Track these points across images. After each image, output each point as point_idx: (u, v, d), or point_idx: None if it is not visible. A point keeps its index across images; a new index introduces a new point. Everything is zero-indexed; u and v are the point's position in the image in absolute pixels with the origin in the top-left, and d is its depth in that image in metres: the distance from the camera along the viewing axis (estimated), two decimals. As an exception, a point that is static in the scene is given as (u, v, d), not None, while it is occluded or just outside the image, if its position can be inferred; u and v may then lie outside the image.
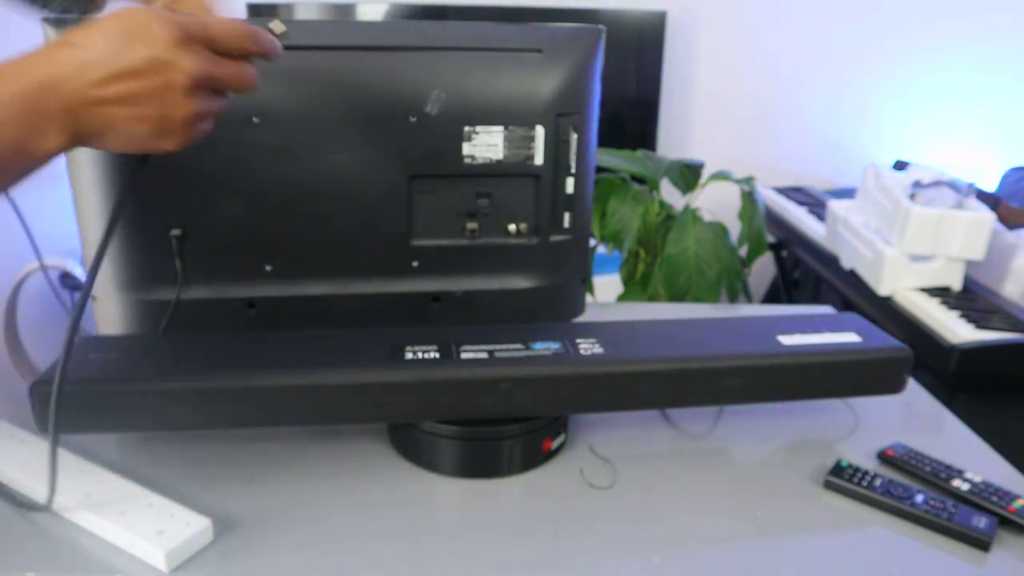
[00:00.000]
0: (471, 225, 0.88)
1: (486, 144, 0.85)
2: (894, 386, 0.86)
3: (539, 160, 0.87)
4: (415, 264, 0.88)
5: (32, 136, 0.49)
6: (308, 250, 0.86)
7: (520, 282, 0.92)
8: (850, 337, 0.86)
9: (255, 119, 0.80)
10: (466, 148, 0.85)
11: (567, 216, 0.91)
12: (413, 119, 0.82)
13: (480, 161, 0.86)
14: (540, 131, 0.86)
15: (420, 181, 0.86)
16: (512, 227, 0.89)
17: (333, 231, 0.86)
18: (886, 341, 0.86)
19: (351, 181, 0.85)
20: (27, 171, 0.51)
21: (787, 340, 0.84)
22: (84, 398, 0.73)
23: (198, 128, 0.56)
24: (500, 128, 0.85)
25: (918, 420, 0.97)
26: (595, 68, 0.95)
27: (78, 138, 0.52)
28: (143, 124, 0.52)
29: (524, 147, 0.86)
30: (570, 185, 0.89)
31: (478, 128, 0.84)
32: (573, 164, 0.89)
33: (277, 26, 0.62)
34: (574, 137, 0.88)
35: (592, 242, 1.86)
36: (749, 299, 1.89)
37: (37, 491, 0.72)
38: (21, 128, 0.49)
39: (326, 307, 0.88)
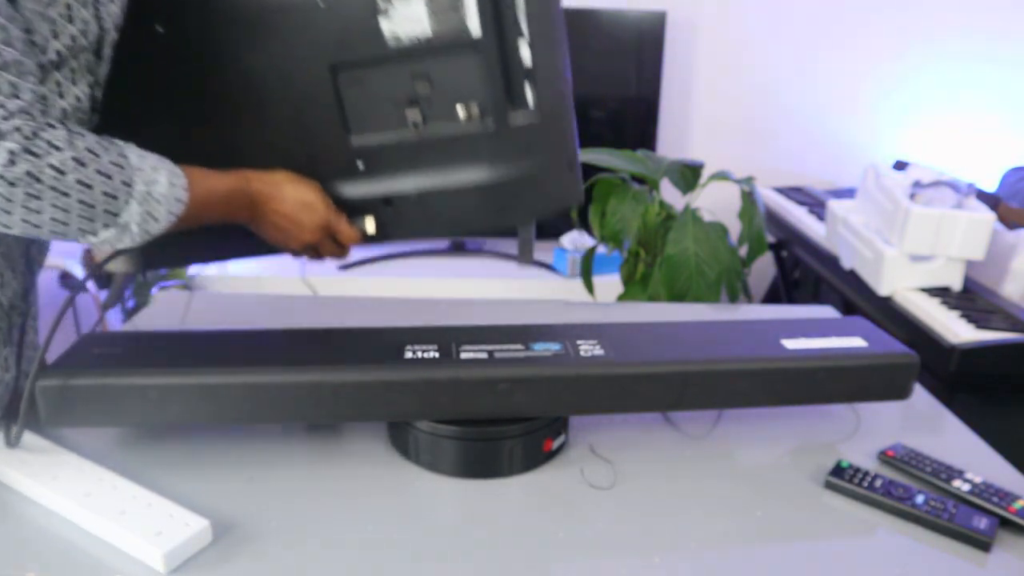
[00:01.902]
0: (414, 114, 0.80)
1: (406, 18, 0.74)
2: (900, 392, 0.85)
3: (475, 28, 0.75)
4: (360, 165, 0.82)
5: (235, 215, 0.82)
6: (244, 163, 0.81)
7: (483, 174, 0.82)
8: (856, 342, 0.85)
9: (159, 28, 0.75)
10: (385, 25, 0.75)
11: (529, 91, 0.78)
12: (322, 3, 0.74)
13: (407, 40, 0.75)
14: None
15: (345, 72, 0.78)
16: (461, 111, 0.79)
17: (266, 140, 0.81)
18: (892, 346, 0.85)
19: (270, 83, 0.78)
20: (213, 222, 0.79)
21: (791, 344, 0.84)
22: (88, 392, 0.73)
23: (305, 253, 0.90)
24: None
25: (918, 420, 0.97)
26: None
27: (249, 223, 0.84)
28: (278, 238, 0.86)
29: (453, 14, 0.74)
30: (525, 52, 0.76)
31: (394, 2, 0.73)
32: (524, 25, 0.75)
33: (370, 227, 0.86)
34: None
35: (592, 241, 1.86)
36: (749, 299, 1.89)
37: (35, 489, 0.72)
38: (235, 210, 0.81)
39: None
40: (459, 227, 0.88)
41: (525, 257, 0.97)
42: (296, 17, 0.75)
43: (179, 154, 0.73)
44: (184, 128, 0.81)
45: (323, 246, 0.88)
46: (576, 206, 0.89)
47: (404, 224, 0.85)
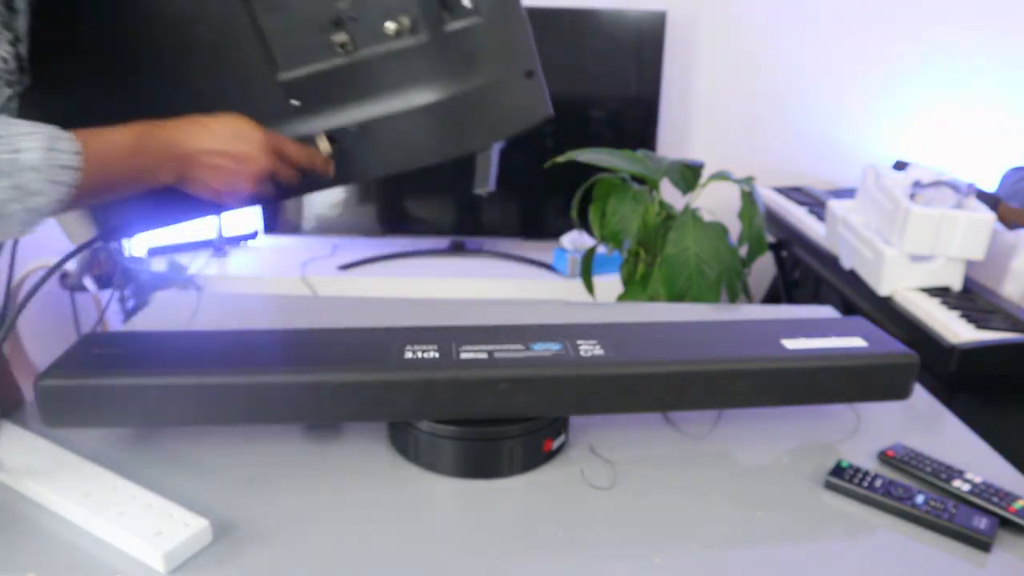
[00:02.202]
0: (340, 38, 0.73)
1: None
2: (900, 392, 0.85)
3: None
4: (294, 103, 0.76)
5: (155, 171, 0.72)
6: (173, 113, 0.74)
7: (427, 94, 0.75)
8: (856, 342, 0.85)
9: None
10: None
11: None
12: None
13: None
14: None
15: None
16: (391, 26, 0.72)
17: (193, 90, 0.75)
18: (892, 346, 0.85)
19: (185, 24, 0.72)
20: (138, 191, 0.72)
21: (791, 344, 0.84)
22: (88, 392, 0.73)
23: (260, 187, 0.78)
24: None
25: (918, 420, 0.97)
26: None
27: (179, 180, 0.74)
28: (221, 186, 0.75)
29: None
30: None
31: None
32: None
33: (324, 145, 0.79)
34: None
35: (592, 241, 1.86)
36: (749, 299, 1.89)
37: (35, 490, 0.72)
38: (152, 164, 0.71)
39: None
40: (413, 159, 0.79)
41: (482, 185, 0.84)
42: None
43: (109, 115, 0.68)
44: (109, 85, 0.76)
45: (279, 171, 0.78)
46: (544, 119, 0.80)
47: (353, 162, 0.79)
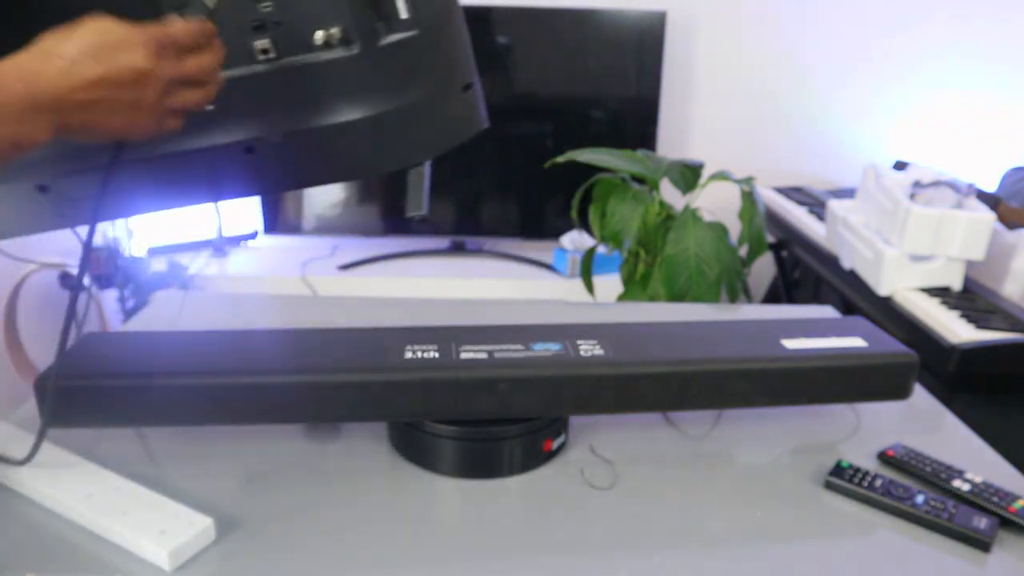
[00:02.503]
0: (262, 43, 0.68)
1: None
2: (900, 392, 0.85)
3: None
4: (209, 107, 0.68)
5: (24, 131, 0.56)
6: None
7: (357, 108, 0.70)
8: (856, 342, 0.85)
9: None
10: None
11: (401, 1, 0.66)
12: None
13: None
14: None
15: None
16: (320, 36, 0.67)
17: None
18: (892, 346, 0.85)
19: (78, 6, 0.62)
20: (16, 157, 0.58)
21: (791, 344, 0.84)
22: (88, 392, 0.73)
23: (168, 122, 0.63)
24: None
25: (918, 420, 0.97)
26: None
27: (62, 132, 0.58)
28: (120, 122, 0.60)
29: None
30: None
31: None
32: None
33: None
34: None
35: (592, 241, 1.86)
36: (749, 299, 1.89)
37: (37, 491, 0.72)
38: (16, 126, 0.55)
39: (127, 175, 0.70)
40: (340, 174, 0.76)
41: (414, 207, 0.78)
42: None
43: None
44: None
45: (180, 71, 0.61)
46: (479, 130, 0.76)
47: (273, 174, 0.73)
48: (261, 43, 0.68)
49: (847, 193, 2.27)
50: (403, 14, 0.66)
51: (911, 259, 1.71)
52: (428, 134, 0.74)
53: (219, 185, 0.75)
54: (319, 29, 0.67)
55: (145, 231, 2.44)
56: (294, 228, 2.53)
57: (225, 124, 0.70)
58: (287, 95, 0.69)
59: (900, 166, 2.33)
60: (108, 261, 2.17)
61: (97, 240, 2.15)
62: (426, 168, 0.79)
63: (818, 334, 0.86)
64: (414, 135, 0.73)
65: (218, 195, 0.78)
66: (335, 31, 0.67)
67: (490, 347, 0.80)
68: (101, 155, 0.66)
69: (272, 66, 0.68)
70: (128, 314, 2.21)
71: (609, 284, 2.00)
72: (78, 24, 0.58)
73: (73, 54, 0.56)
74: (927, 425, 0.96)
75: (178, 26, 0.61)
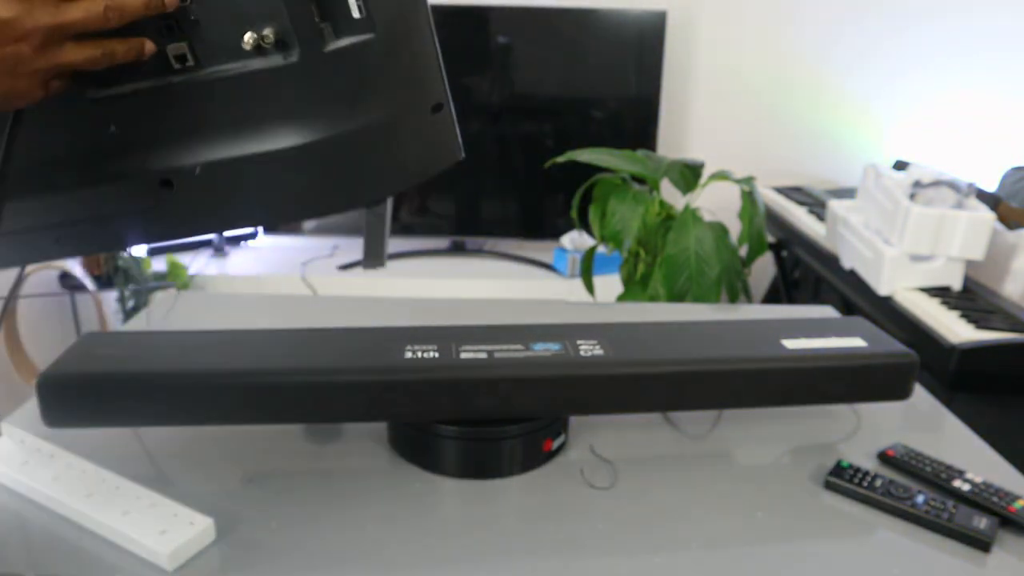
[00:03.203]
0: (176, 48, 0.54)
1: None
2: (900, 392, 0.85)
3: None
4: (112, 129, 0.56)
5: None
6: None
7: (299, 133, 0.56)
8: (855, 342, 0.85)
9: None
10: None
11: None
12: None
13: None
14: None
15: None
16: (249, 39, 0.53)
17: None
18: (892, 346, 0.85)
19: None
20: None
21: (791, 344, 0.84)
22: (88, 392, 0.73)
23: (52, 84, 0.52)
24: None
25: (918, 420, 0.97)
26: None
27: None
28: None
29: None
30: None
31: None
32: None
33: None
34: None
35: (592, 241, 1.86)
36: (749, 299, 1.89)
37: (36, 491, 0.72)
38: None
39: (22, 212, 0.58)
40: (277, 213, 0.62)
41: (373, 259, 0.66)
42: None
43: None
44: None
45: (64, 28, 0.49)
46: (452, 162, 0.63)
47: (195, 214, 0.59)
48: (176, 48, 0.54)
49: (847, 193, 2.27)
50: (355, 12, 0.53)
51: (911, 259, 1.71)
52: (389, 166, 0.60)
53: (129, 226, 0.60)
54: (248, 30, 0.53)
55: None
56: (294, 228, 2.53)
57: (134, 150, 0.57)
58: (210, 115, 0.55)
59: (900, 166, 2.33)
60: (108, 261, 2.17)
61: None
62: (387, 208, 0.65)
63: (818, 334, 0.86)
64: (369, 166, 0.59)
65: (125, 239, 0.63)
66: (268, 33, 0.53)
67: (490, 347, 0.80)
68: None
69: (190, 78, 0.54)
70: (128, 314, 2.21)
71: (609, 284, 2.00)
72: None
73: None
74: (927, 425, 0.96)
75: None
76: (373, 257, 0.66)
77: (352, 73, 0.55)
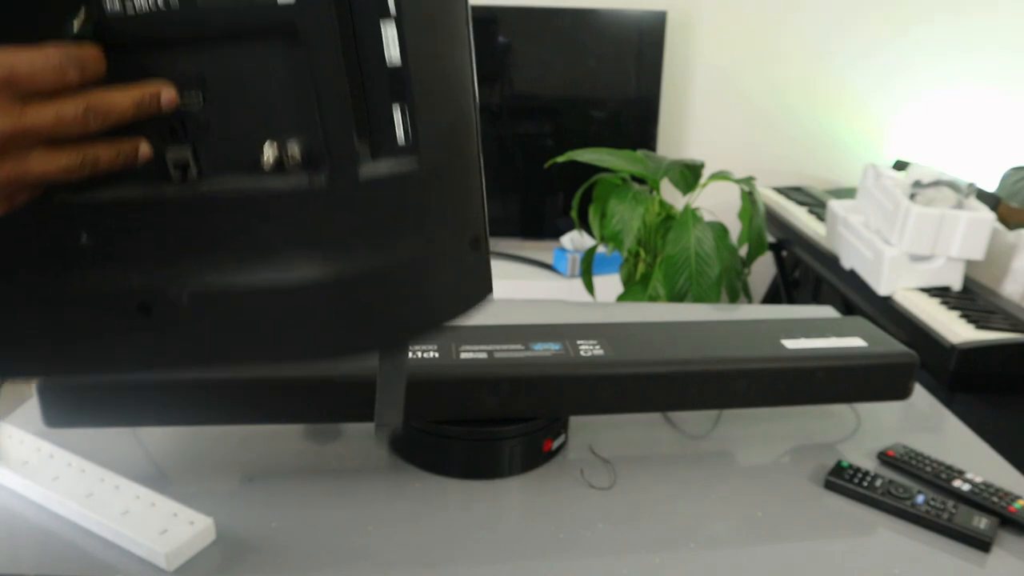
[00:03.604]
0: (177, 154, 0.44)
1: None
2: (900, 392, 0.85)
3: None
4: (83, 239, 0.45)
5: None
6: None
7: (310, 266, 0.47)
8: (855, 342, 0.85)
9: None
10: None
11: (399, 118, 0.44)
12: None
13: (141, 7, 0.40)
14: None
15: None
16: (269, 152, 0.43)
17: None
18: (892, 346, 0.85)
19: None
20: None
21: (791, 344, 0.84)
22: (88, 392, 0.73)
23: (16, 198, 0.42)
24: None
25: (918, 420, 0.97)
26: None
27: None
28: None
29: None
30: (391, 43, 0.42)
31: None
32: None
33: (168, 94, 0.42)
34: None
35: (592, 241, 1.86)
36: (749, 299, 1.89)
37: (36, 491, 0.72)
38: None
39: None
40: (276, 353, 0.51)
41: (388, 416, 0.56)
42: None
43: None
44: None
45: (31, 128, 0.39)
46: (483, 301, 0.54)
47: (173, 347, 0.49)
48: (176, 153, 0.44)
49: (847, 193, 2.27)
50: (400, 137, 0.45)
51: (911, 259, 1.71)
52: (412, 308, 0.51)
53: (95, 351, 0.49)
54: (270, 141, 0.43)
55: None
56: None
57: (106, 264, 0.46)
58: (209, 235, 0.45)
59: (900, 166, 2.33)
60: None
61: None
62: (406, 357, 0.57)
63: (818, 334, 0.86)
64: (391, 308, 0.50)
65: (89, 365, 0.51)
66: (293, 147, 0.43)
67: (490, 347, 0.80)
68: None
69: (190, 190, 0.44)
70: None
71: (609, 284, 2.00)
72: None
73: None
74: (927, 425, 0.96)
75: (20, 55, 0.38)
76: (388, 414, 0.56)
77: (386, 204, 0.46)
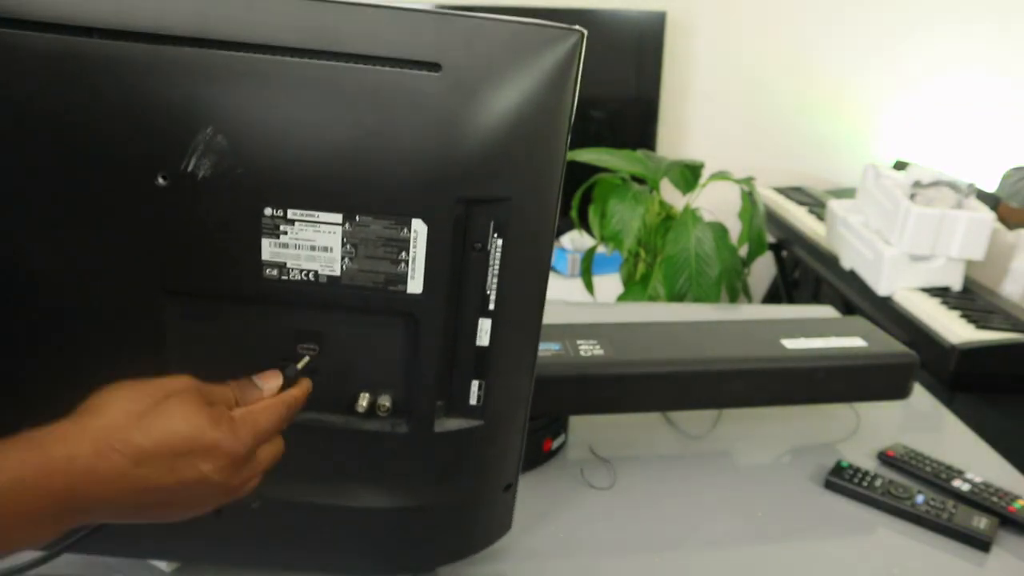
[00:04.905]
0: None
1: (305, 245, 0.48)
2: (900, 392, 0.85)
3: (415, 285, 0.50)
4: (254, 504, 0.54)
5: (27, 536, 0.40)
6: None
7: (379, 497, 0.57)
8: (855, 341, 0.85)
9: None
10: (267, 249, 0.48)
11: (475, 387, 0.54)
12: (163, 180, 0.46)
13: (296, 277, 0.49)
14: (421, 229, 0.49)
15: (183, 301, 0.50)
16: (363, 401, 0.53)
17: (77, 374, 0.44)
18: (892, 346, 0.85)
19: (72, 287, 0.49)
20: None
21: (791, 344, 0.84)
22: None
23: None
24: (335, 217, 0.48)
25: (918, 420, 0.97)
26: (558, 104, 0.54)
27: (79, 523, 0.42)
28: (150, 517, 0.44)
29: (387, 257, 0.49)
30: (484, 332, 0.53)
31: (291, 213, 0.48)
32: (492, 294, 0.52)
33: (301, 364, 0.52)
34: (496, 244, 0.51)
35: (592, 241, 1.86)
36: (749, 299, 1.89)
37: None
38: (24, 532, 0.39)
39: None
40: (319, 567, 0.61)
41: None
42: (127, 193, 0.47)
43: None
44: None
45: (263, 463, 0.47)
46: (501, 536, 0.65)
47: (238, 547, 0.59)
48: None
49: (847, 193, 2.27)
50: (472, 400, 0.55)
51: (911, 259, 1.71)
52: (448, 538, 0.61)
53: (162, 539, 0.56)
54: (366, 392, 0.53)
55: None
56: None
57: None
58: (297, 456, 0.50)
59: (900, 166, 2.33)
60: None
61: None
62: None
63: (818, 334, 0.86)
64: (431, 538, 0.60)
65: (151, 551, 0.61)
66: (385, 400, 0.53)
67: (490, 347, 0.80)
68: None
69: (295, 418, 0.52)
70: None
71: (609, 284, 2.00)
72: (158, 398, 0.42)
73: (139, 452, 0.40)
74: (927, 425, 0.96)
75: (265, 414, 0.46)
76: None
77: (451, 452, 0.57)
